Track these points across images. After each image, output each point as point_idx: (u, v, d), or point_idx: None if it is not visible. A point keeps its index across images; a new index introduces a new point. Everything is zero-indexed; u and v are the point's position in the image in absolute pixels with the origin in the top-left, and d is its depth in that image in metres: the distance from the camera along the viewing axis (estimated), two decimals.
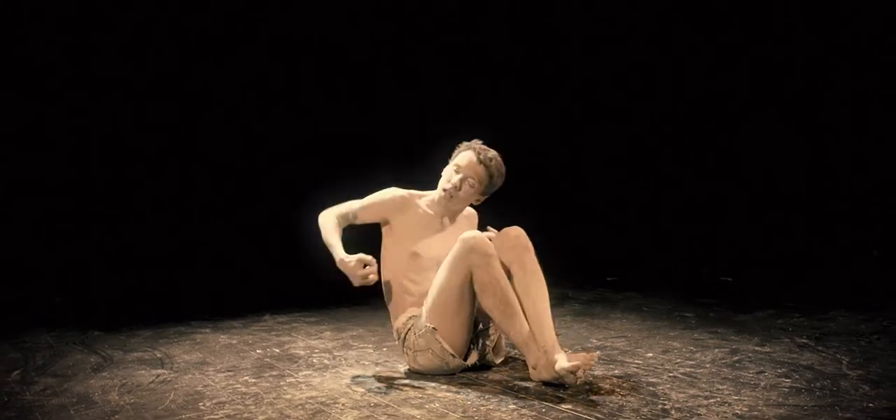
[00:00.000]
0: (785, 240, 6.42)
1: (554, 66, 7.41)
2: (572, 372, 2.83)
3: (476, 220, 3.50)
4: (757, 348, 3.50)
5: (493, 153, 3.32)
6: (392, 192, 3.33)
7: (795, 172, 6.58)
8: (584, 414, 2.64)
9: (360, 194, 3.40)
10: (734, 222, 6.76)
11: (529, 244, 3.14)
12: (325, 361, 3.50)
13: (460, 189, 3.29)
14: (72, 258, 6.20)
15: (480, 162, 3.28)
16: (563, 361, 2.86)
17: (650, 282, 5.45)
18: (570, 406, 2.73)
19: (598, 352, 2.96)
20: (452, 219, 3.40)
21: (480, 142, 3.34)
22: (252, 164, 6.89)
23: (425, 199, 3.39)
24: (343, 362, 3.48)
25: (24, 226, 6.17)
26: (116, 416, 2.76)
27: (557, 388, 2.92)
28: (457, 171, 3.29)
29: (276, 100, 6.96)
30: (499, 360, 3.35)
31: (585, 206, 7.33)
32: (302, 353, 3.68)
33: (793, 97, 6.55)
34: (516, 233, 3.16)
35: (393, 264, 3.30)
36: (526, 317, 3.02)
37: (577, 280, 5.46)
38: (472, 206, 3.43)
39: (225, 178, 6.80)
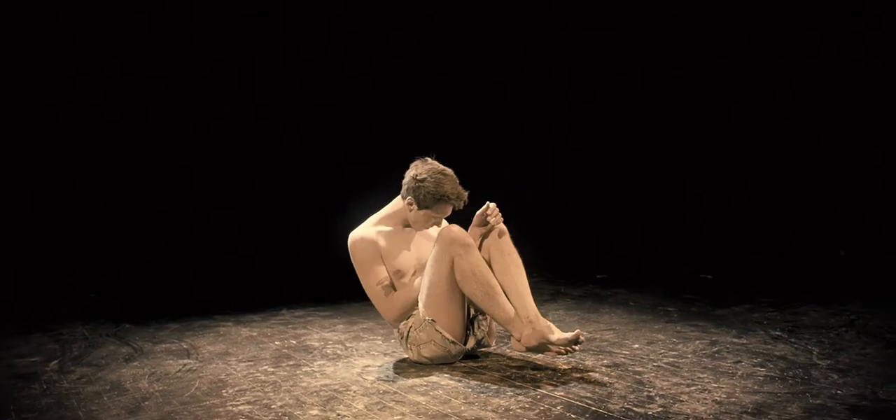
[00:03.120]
0: (762, 240, 6.41)
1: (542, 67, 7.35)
2: (565, 345, 2.92)
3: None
4: (734, 340, 3.49)
5: (413, 173, 3.23)
6: (365, 250, 3.27)
7: (776, 175, 6.58)
8: (576, 399, 2.64)
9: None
10: (716, 223, 6.76)
11: (505, 229, 3.19)
12: (338, 352, 3.50)
13: (416, 218, 3.28)
14: (105, 257, 6.20)
15: (405, 197, 3.26)
16: (558, 333, 2.97)
17: (636, 279, 5.45)
18: (562, 392, 2.73)
19: (582, 331, 2.98)
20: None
21: (420, 160, 3.27)
22: (270, 167, 6.88)
23: (380, 219, 3.34)
24: (354, 353, 3.48)
25: (60, 226, 6.18)
26: (146, 403, 2.76)
27: (553, 377, 2.92)
28: (435, 217, 3.26)
29: (291, 101, 6.93)
30: (493, 343, 3.37)
31: (578, 208, 7.32)
32: (316, 344, 3.68)
33: (773, 98, 6.53)
34: (492, 221, 3.19)
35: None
36: (507, 296, 3.06)
37: (569, 277, 5.46)
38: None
39: (243, 183, 6.80)
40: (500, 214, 3.19)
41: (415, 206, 3.23)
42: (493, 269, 3.11)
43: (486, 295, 3.04)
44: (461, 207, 3.25)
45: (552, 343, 2.97)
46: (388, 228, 3.31)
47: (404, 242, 3.32)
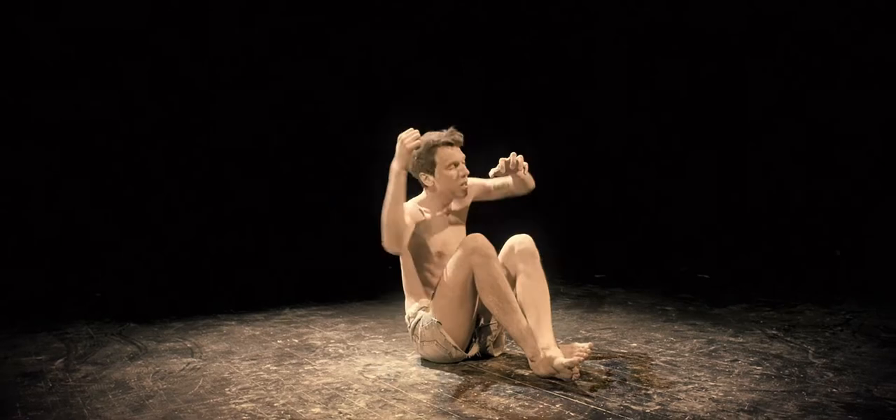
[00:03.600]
0: (757, 241, 6.41)
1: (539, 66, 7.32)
2: (569, 367, 2.82)
3: (466, 207, 3.46)
4: (731, 339, 3.49)
5: (455, 132, 3.27)
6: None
7: (766, 179, 6.58)
8: (575, 398, 2.64)
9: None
10: (710, 225, 6.76)
11: (536, 251, 3.14)
12: (340, 351, 3.50)
13: (443, 183, 3.26)
14: (110, 257, 6.21)
15: (420, 179, 3.28)
16: (560, 358, 2.85)
17: (634, 279, 5.45)
18: (561, 391, 2.73)
19: (590, 343, 2.95)
20: (451, 210, 3.36)
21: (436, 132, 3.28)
22: (276, 171, 6.87)
23: (419, 203, 3.32)
24: (356, 351, 3.48)
25: (68, 228, 6.18)
26: (151, 401, 2.76)
27: (552, 376, 2.91)
28: (456, 166, 3.24)
29: (298, 100, 6.90)
30: (498, 354, 3.35)
31: (575, 209, 7.32)
32: (318, 343, 3.68)
33: (762, 104, 6.53)
34: (526, 241, 3.15)
35: (418, 259, 3.25)
36: (526, 315, 3.00)
37: (568, 277, 5.46)
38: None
39: (250, 187, 6.80)
40: (525, 165, 3.21)
41: (428, 175, 3.24)
42: (516, 285, 3.08)
43: (501, 308, 2.99)
44: (460, 140, 3.25)
45: (563, 376, 2.89)
46: (437, 213, 3.28)
47: (450, 228, 3.29)
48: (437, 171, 3.23)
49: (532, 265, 3.10)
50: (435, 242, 3.25)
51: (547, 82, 7.29)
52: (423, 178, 3.26)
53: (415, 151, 3.15)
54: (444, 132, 3.23)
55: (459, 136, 3.26)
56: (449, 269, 3.10)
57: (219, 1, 6.54)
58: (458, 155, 3.24)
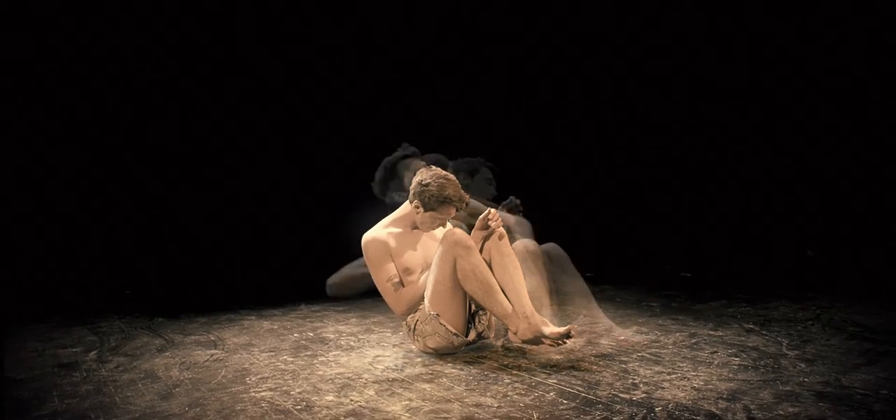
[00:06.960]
0: (737, 241, 6.41)
1: (532, 68, 7.27)
2: (557, 337, 2.92)
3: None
4: (711, 332, 3.49)
5: (418, 179, 3.26)
6: (377, 250, 3.27)
7: (750, 180, 6.57)
8: (567, 387, 2.64)
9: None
10: (697, 225, 6.75)
11: (504, 232, 3.19)
12: (352, 343, 3.51)
13: (423, 220, 3.30)
14: (140, 256, 6.21)
15: (412, 201, 3.29)
16: (551, 327, 2.97)
17: (622, 276, 5.45)
18: (555, 380, 2.73)
19: (574, 325, 3.00)
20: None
21: (425, 166, 3.30)
22: (290, 175, 6.85)
23: (391, 221, 3.35)
24: (366, 344, 3.48)
25: (101, 229, 6.18)
26: (177, 389, 2.76)
27: (547, 367, 2.92)
28: (417, 209, 3.30)
29: (313, 103, 6.86)
30: (492, 335, 3.38)
31: (569, 209, 7.30)
32: (332, 336, 3.68)
33: (745, 104, 6.51)
34: (493, 225, 3.19)
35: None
36: (505, 293, 3.06)
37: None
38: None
39: (265, 190, 6.79)
40: (500, 219, 3.20)
41: (421, 209, 3.25)
42: (492, 269, 3.12)
43: (485, 293, 3.04)
44: (463, 209, 3.27)
45: (546, 336, 2.97)
46: (398, 230, 3.33)
47: (412, 243, 3.33)
48: (430, 215, 3.26)
49: (502, 245, 3.15)
50: (399, 259, 3.28)
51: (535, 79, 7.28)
52: (415, 205, 3.27)
53: (429, 186, 3.19)
54: (461, 194, 3.24)
55: (467, 204, 3.28)
56: (435, 266, 3.12)
57: None
58: (451, 214, 3.28)
